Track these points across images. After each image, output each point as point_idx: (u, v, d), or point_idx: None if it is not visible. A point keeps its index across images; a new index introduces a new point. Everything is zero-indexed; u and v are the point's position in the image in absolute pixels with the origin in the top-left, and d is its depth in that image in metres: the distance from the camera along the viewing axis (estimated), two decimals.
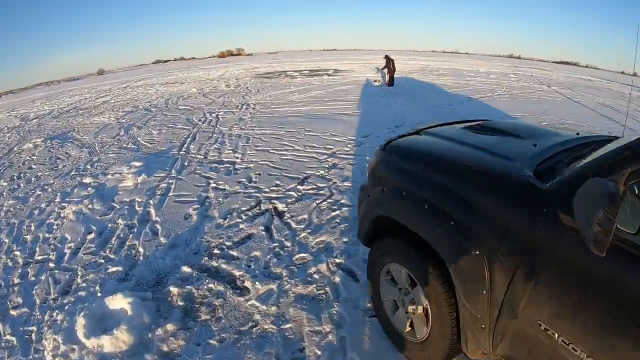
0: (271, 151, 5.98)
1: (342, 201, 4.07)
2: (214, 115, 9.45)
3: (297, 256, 3.14)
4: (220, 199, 4.29)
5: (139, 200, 4.48)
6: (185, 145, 6.71)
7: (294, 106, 9.92)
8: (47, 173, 5.89)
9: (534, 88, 14.44)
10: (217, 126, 8.14)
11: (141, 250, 3.41)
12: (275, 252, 3.21)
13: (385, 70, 13.57)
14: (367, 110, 9.02)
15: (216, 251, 3.27)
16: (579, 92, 14.73)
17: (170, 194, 4.58)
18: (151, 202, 4.39)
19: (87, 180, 5.27)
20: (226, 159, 5.76)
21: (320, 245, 3.28)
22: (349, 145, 6.10)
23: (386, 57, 13.69)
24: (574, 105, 10.96)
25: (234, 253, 3.22)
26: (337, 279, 2.84)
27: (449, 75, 17.72)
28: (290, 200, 4.14)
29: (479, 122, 2.52)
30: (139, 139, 7.55)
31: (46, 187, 5.19)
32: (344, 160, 5.38)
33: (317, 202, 4.08)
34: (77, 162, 6.28)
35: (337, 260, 3.06)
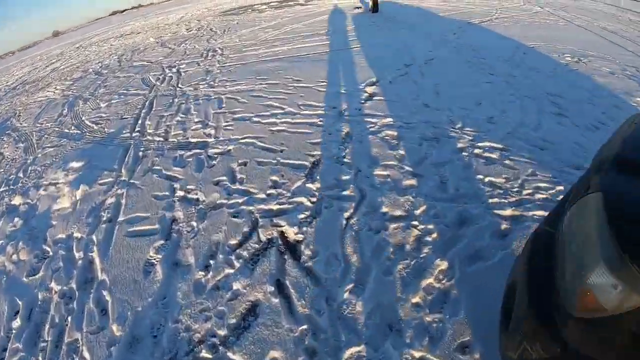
0: (255, 119, 4.20)
1: (384, 208, 2.53)
2: (174, 70, 7.25)
3: (347, 354, 1.68)
4: (194, 224, 2.65)
5: (78, 236, 2.80)
6: (140, 122, 4.78)
7: (270, 47, 7.79)
8: None
9: (529, 9, 12.48)
10: (179, 85, 6.08)
11: (87, 356, 1.85)
12: (305, 347, 1.71)
13: None
14: (360, 46, 7.06)
15: (205, 354, 1.75)
16: (573, 13, 12.93)
17: (121, 218, 2.89)
18: (94, 239, 2.72)
19: (16, 201, 3.55)
20: (194, 139, 3.96)
21: (378, 318, 1.82)
22: (358, 100, 4.37)
23: None
24: (579, 31, 9.27)
25: (237, 358, 1.73)
26: None
27: None
28: (302, 217, 2.54)
29: None
30: (83, 118, 5.52)
31: None
32: (360, 126, 3.71)
33: (346, 214, 2.51)
34: (9, 168, 4.39)
35: (416, 354, 1.64)
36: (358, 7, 12.01)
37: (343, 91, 4.71)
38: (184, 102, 5.23)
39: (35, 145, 4.94)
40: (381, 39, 7.56)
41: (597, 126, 3.81)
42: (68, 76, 9.60)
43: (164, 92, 5.90)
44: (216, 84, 5.74)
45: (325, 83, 5.05)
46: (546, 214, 2.68)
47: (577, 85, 4.95)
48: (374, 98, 4.41)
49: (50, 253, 2.73)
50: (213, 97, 5.14)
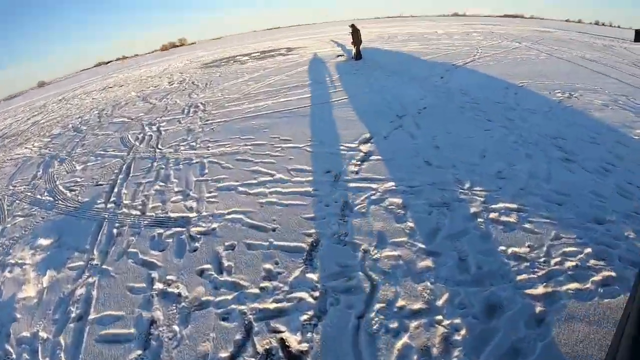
0: (241, 189, 3.93)
1: (400, 301, 2.22)
2: (154, 128, 7.07)
3: None
4: (176, 328, 2.26)
5: (44, 336, 2.44)
6: (116, 190, 4.47)
7: (254, 101, 7.74)
8: None
9: (508, 46, 13.01)
10: (159, 146, 5.86)
11: None
12: None
13: (352, 45, 11.47)
14: (348, 97, 7.02)
15: None
16: (550, 46, 13.56)
17: (91, 316, 2.51)
18: (62, 341, 2.36)
19: None
20: (175, 214, 3.65)
21: None
22: (353, 161, 4.18)
23: (352, 26, 11.38)
24: (560, 63, 9.60)
25: None
26: None
27: (413, 41, 15.92)
28: (305, 318, 2.19)
29: None
30: (57, 182, 5.20)
31: None
32: (359, 194, 3.45)
33: (357, 312, 2.19)
34: None
35: None
36: (340, 55, 12.32)
37: (336, 151, 4.52)
38: (163, 166, 4.97)
39: (6, 213, 4.58)
40: (368, 88, 7.60)
41: (607, 168, 3.67)
42: (47, 131, 9.36)
43: (142, 153, 5.66)
44: (198, 145, 5.53)
45: (315, 142, 4.87)
46: (583, 286, 2.43)
47: (575, 123, 4.90)
48: (371, 158, 4.22)
49: (14, 355, 2.37)
50: (195, 161, 4.90)
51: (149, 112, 8.63)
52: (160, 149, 5.76)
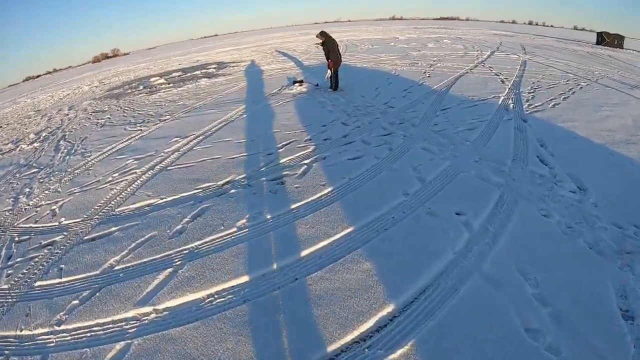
0: None
1: None
2: None
3: None
4: None
5: None
6: None
7: (111, 277, 2.85)
8: None
9: (513, 61, 9.26)
10: None
11: None
12: None
13: (330, 67, 6.46)
14: (366, 237, 2.46)
15: None
16: (548, 57, 10.24)
17: None
18: None
19: None
20: None
21: None
22: None
23: (322, 35, 6.38)
24: (625, 99, 5.88)
25: None
26: None
27: (382, 52, 11.47)
28: None
29: None
30: None
31: None
32: None
33: None
34: None
35: None
36: (298, 82, 7.50)
37: None
38: None
39: None
40: (391, 171, 3.04)
41: None
42: None
43: None
44: None
45: None
46: None
47: None
48: None
49: None
50: None
51: None
52: None
